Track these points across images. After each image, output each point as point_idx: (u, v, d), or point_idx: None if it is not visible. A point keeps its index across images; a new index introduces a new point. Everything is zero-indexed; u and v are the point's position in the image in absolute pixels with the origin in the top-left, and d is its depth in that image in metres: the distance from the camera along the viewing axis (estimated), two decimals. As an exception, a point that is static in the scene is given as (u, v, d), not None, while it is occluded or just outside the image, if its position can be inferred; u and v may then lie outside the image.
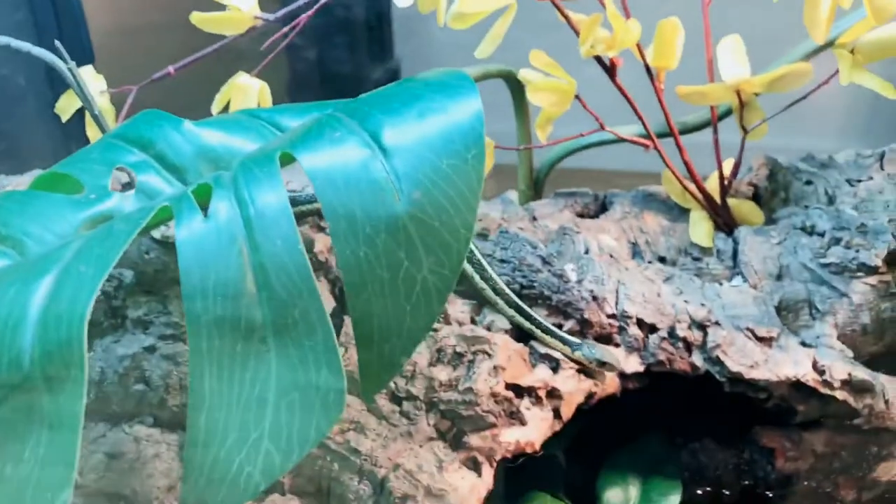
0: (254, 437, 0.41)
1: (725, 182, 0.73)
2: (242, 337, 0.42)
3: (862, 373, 0.66)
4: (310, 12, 0.68)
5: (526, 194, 0.81)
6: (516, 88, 0.76)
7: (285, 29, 0.69)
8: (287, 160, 0.47)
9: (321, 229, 0.68)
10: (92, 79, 0.77)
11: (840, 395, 0.65)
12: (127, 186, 0.62)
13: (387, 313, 0.44)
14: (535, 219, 0.75)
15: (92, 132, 0.77)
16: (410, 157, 0.45)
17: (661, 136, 0.73)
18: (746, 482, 0.72)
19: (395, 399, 0.57)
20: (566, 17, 0.66)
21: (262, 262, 0.43)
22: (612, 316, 0.65)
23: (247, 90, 0.71)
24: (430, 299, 0.44)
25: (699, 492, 0.72)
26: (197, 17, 0.69)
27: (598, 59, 0.67)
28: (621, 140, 0.72)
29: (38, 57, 0.67)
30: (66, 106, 0.77)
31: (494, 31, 0.61)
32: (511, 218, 0.75)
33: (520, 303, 0.61)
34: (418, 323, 0.44)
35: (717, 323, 0.66)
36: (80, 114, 0.76)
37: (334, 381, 0.42)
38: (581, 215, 0.79)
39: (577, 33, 0.66)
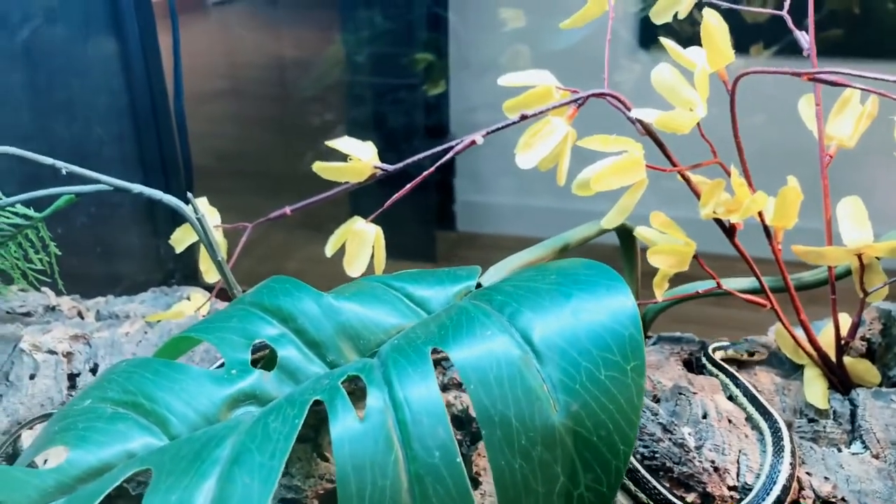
0: None
1: (843, 342, 0.71)
2: (399, 551, 0.42)
3: None
4: (431, 169, 0.69)
5: (630, 338, 0.80)
6: (626, 240, 0.76)
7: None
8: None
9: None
10: (206, 212, 0.79)
11: (976, 582, 0.62)
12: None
13: (541, 528, 0.43)
14: (641, 367, 0.74)
15: (205, 265, 0.78)
16: (566, 365, 0.44)
17: (775, 290, 0.72)
18: None
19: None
20: (687, 179, 0.67)
21: (420, 472, 0.43)
22: (734, 488, 0.63)
23: (363, 236, 0.71)
24: (587, 516, 0.43)
25: None
26: (319, 167, 0.71)
27: (718, 220, 0.67)
28: (735, 296, 0.71)
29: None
30: (182, 238, 0.79)
31: (623, 203, 0.62)
32: (617, 366, 0.74)
33: (657, 484, 0.59)
34: (574, 539, 0.43)
35: (843, 499, 0.63)
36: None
37: None
38: (687, 363, 0.77)
39: (697, 196, 0.66)
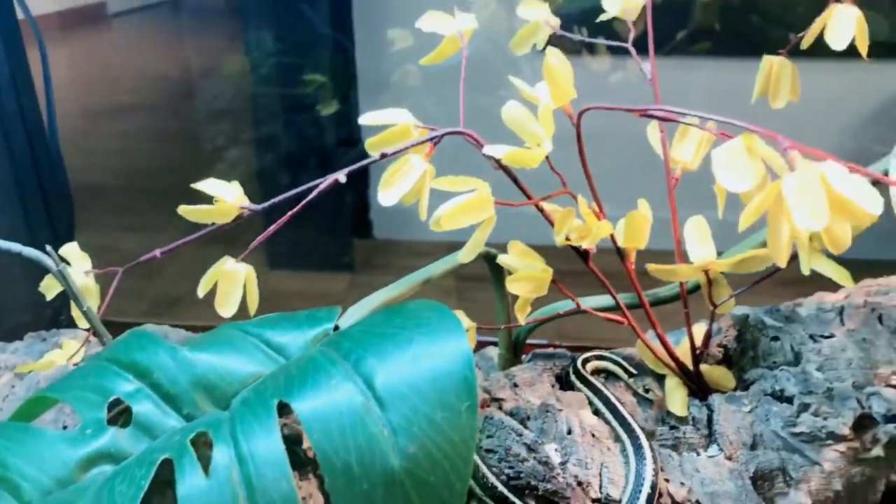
0: None
1: (697, 351, 0.76)
2: None
3: (838, 545, 0.68)
4: (296, 208, 0.70)
5: (505, 357, 0.83)
6: (494, 266, 0.79)
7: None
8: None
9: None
10: (77, 258, 0.78)
11: (819, 570, 0.67)
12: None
13: (385, 568, 0.45)
14: (516, 385, 0.78)
15: (76, 313, 0.77)
16: (405, 410, 0.47)
17: (632, 307, 0.76)
18: None
19: None
20: (540, 209, 0.70)
21: (264, 526, 0.44)
22: (597, 500, 0.67)
23: (234, 276, 0.72)
24: (428, 555, 0.45)
25: None
26: (184, 210, 0.71)
27: (574, 247, 0.70)
28: (595, 315, 0.75)
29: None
30: (51, 286, 0.78)
31: (476, 239, 0.64)
32: (493, 386, 0.77)
33: (514, 499, 0.62)
34: (416, 578, 0.45)
35: (697, 502, 0.68)
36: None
37: None
38: (559, 378, 0.81)
39: (550, 223, 0.70)
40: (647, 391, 0.76)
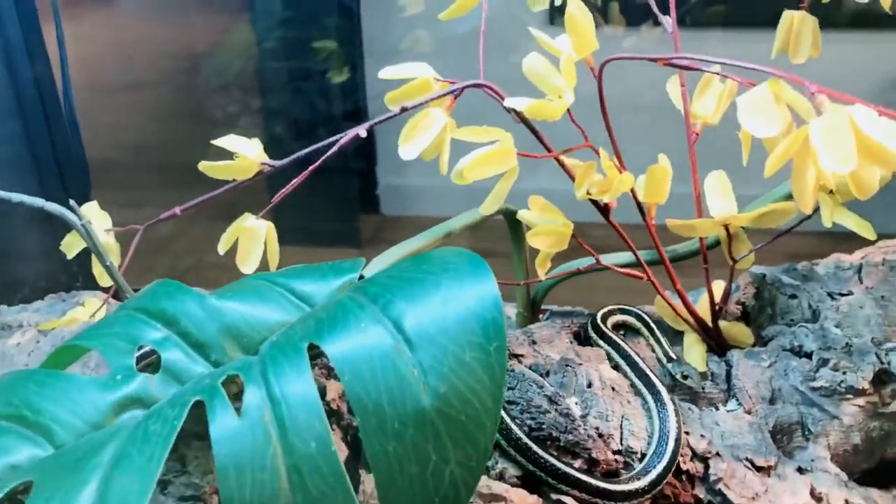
0: None
1: (717, 308, 0.76)
2: (279, 540, 0.44)
3: (857, 497, 0.69)
4: (317, 163, 0.70)
5: (523, 316, 0.83)
6: (513, 221, 0.79)
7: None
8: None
9: (332, 374, 0.70)
10: (98, 216, 0.79)
11: (837, 521, 0.68)
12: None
13: (416, 506, 0.45)
14: (534, 342, 0.78)
15: (98, 270, 0.78)
16: (435, 350, 0.47)
17: (652, 263, 0.76)
18: None
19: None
20: (561, 163, 0.70)
21: (297, 464, 0.44)
22: (618, 452, 0.67)
23: (254, 233, 0.72)
24: (459, 492, 0.45)
25: None
26: (205, 166, 0.71)
27: (594, 201, 0.70)
28: (616, 271, 0.75)
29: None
30: (72, 244, 0.78)
31: (498, 191, 0.64)
32: (512, 343, 0.77)
33: (539, 451, 0.63)
34: (447, 515, 0.45)
35: (717, 454, 0.68)
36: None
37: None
38: (577, 335, 0.81)
39: (571, 178, 0.70)
40: (685, 377, 0.73)
